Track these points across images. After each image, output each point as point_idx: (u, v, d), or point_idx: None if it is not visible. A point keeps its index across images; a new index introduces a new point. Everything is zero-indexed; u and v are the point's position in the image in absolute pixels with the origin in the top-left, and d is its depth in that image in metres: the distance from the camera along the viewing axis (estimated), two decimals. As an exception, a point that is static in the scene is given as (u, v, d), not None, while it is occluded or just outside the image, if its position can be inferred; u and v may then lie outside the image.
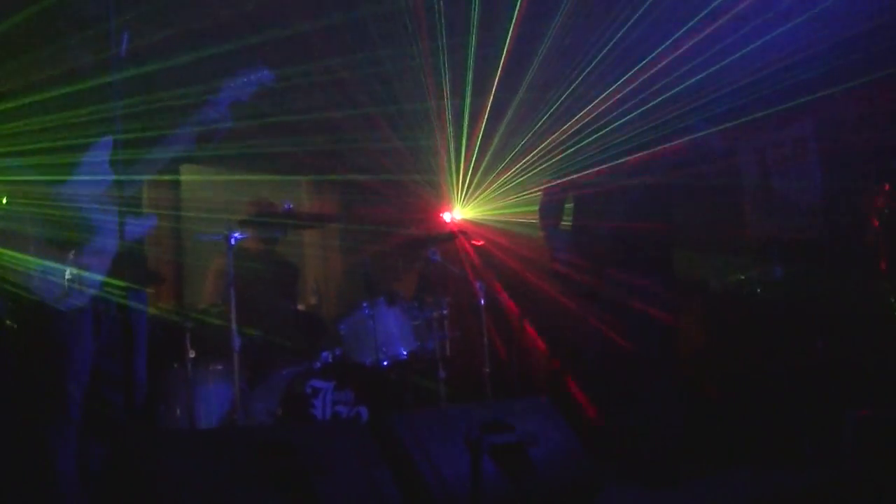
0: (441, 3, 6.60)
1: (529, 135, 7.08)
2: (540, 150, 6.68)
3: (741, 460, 5.64)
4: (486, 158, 7.78)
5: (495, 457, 4.08)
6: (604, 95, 5.76)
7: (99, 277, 3.60)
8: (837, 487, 4.76)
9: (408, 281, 7.55)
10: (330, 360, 6.07)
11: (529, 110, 7.19)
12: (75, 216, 3.59)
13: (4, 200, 3.57)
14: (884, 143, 6.53)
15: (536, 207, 6.15)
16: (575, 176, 5.77)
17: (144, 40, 3.90)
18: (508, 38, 6.80)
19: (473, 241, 7.22)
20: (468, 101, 7.39)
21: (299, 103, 6.63)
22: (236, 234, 5.61)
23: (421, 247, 6.80)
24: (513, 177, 7.43)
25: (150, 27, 4.38)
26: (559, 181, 5.92)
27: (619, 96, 5.71)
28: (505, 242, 7.36)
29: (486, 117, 7.50)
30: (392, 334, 6.28)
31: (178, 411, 5.73)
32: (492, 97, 7.31)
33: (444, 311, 6.48)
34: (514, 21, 6.65)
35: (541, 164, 6.58)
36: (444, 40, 6.92)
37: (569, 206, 6.00)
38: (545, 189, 6.10)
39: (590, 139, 5.76)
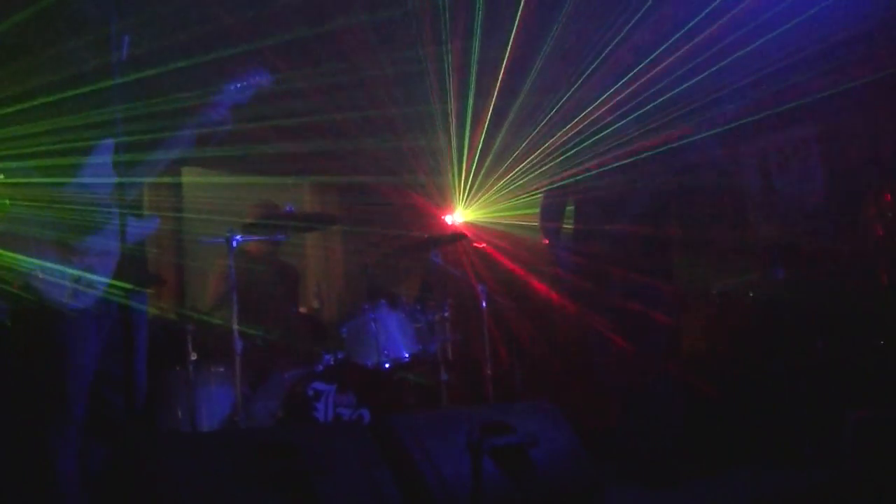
0: (446, 6, 6.61)
1: (531, 137, 7.09)
2: (541, 153, 6.69)
3: (741, 460, 5.64)
4: (488, 161, 7.79)
5: (496, 458, 4.08)
6: (605, 97, 5.77)
7: (104, 279, 3.62)
8: (837, 488, 4.75)
9: (410, 283, 7.56)
10: (332, 362, 6.07)
11: (531, 113, 7.20)
12: (79, 218, 3.61)
13: (8, 202, 3.58)
14: (886, 143, 6.54)
15: (537, 210, 6.16)
16: (576, 178, 5.78)
17: (145, 43, 3.91)
18: (511, 40, 6.80)
19: (475, 244, 7.22)
20: (471, 103, 7.40)
21: (302, 105, 6.63)
22: (238, 237, 5.64)
23: (423, 249, 6.80)
24: (514, 179, 7.44)
25: (151, 30, 4.39)
26: (560, 183, 5.93)
27: (619, 98, 5.71)
28: (506, 245, 7.37)
29: (487, 119, 7.50)
30: (394, 337, 6.28)
31: (180, 413, 5.74)
32: (494, 100, 7.32)
33: (446, 314, 6.48)
34: (516, 23, 6.66)
35: (542, 166, 6.59)
36: (448, 44, 6.93)
37: (570, 208, 6.01)
38: (546, 192, 6.11)
39: (590, 141, 5.76)
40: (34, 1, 3.62)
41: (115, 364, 3.62)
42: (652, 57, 6.05)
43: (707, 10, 6.08)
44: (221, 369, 5.86)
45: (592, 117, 5.82)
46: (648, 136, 5.63)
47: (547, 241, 6.07)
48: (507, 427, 4.23)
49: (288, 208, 6.19)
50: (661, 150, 5.57)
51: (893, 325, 5.65)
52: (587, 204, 5.84)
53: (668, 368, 5.57)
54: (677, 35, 6.19)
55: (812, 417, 5.60)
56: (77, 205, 3.62)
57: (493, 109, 7.42)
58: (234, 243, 5.60)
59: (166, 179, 4.39)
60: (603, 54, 6.38)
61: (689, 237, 6.29)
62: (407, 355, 6.26)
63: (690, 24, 6.15)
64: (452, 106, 7.51)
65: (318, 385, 5.82)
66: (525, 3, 6.47)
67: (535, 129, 7.00)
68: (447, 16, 6.69)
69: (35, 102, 3.53)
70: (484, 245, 7.22)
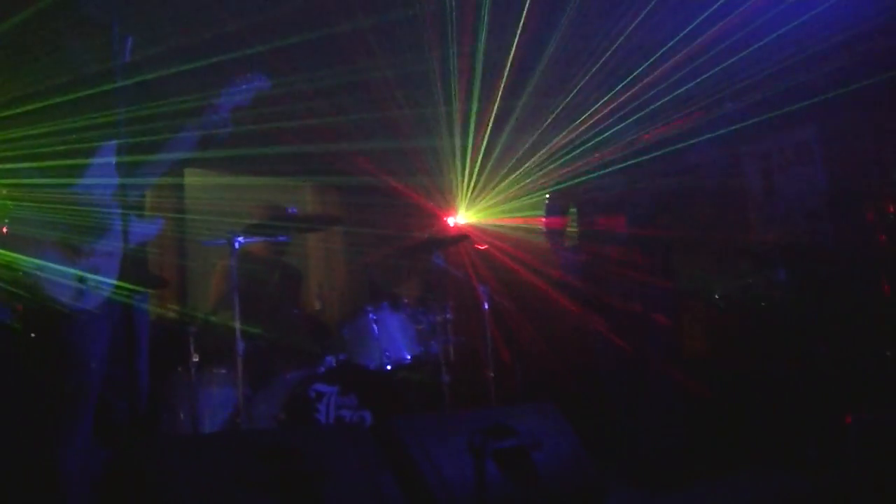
0: (451, 8, 6.61)
1: (533, 139, 7.09)
2: (544, 154, 6.69)
3: (744, 463, 5.65)
4: (491, 162, 7.79)
5: (499, 461, 4.08)
6: (607, 99, 5.77)
7: (111, 280, 3.63)
8: (840, 490, 4.76)
9: (412, 285, 7.55)
10: (334, 364, 6.06)
11: (534, 115, 7.20)
12: (83, 219, 3.62)
13: (10, 203, 3.59)
14: (888, 144, 6.53)
15: (541, 212, 6.17)
16: (578, 179, 5.78)
17: (148, 45, 3.92)
18: (515, 42, 6.81)
19: (477, 245, 7.22)
20: (475, 105, 7.40)
21: (304, 107, 6.63)
22: (240, 239, 5.64)
23: (425, 251, 6.80)
24: (517, 180, 7.44)
25: (154, 32, 4.40)
26: (563, 185, 5.94)
27: (621, 100, 5.72)
28: (509, 246, 7.36)
29: (491, 121, 7.50)
30: (396, 338, 6.28)
31: (182, 415, 5.73)
32: (497, 101, 7.32)
33: (448, 316, 6.47)
34: (520, 26, 6.66)
35: (545, 168, 6.59)
36: (455, 47, 6.93)
37: (572, 210, 6.02)
38: (549, 194, 6.12)
39: (592, 143, 5.77)
40: (37, 2, 3.62)
41: (116, 366, 3.62)
42: (654, 58, 6.05)
43: (709, 12, 6.08)
44: (223, 371, 5.86)
45: (594, 119, 5.82)
46: (650, 138, 5.63)
47: (550, 243, 6.07)
48: (510, 429, 4.23)
49: (290, 209, 6.19)
50: (662, 151, 5.58)
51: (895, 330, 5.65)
52: (589, 205, 5.85)
53: (670, 370, 5.57)
54: (679, 36, 6.19)
55: (815, 420, 5.60)
56: (81, 206, 3.63)
57: (496, 111, 7.42)
58: (237, 244, 5.61)
59: (168, 181, 4.40)
60: (605, 56, 6.38)
61: (691, 239, 6.29)
62: (409, 357, 6.27)
63: (692, 26, 6.15)
64: (456, 107, 7.50)
65: (320, 387, 5.81)
66: (529, 5, 6.47)
67: (537, 131, 7.00)
68: (452, 17, 6.69)
69: (38, 104, 3.54)
70: (486, 246, 7.21)
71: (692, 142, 5.70)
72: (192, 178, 7.60)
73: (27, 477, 3.54)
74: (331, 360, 6.08)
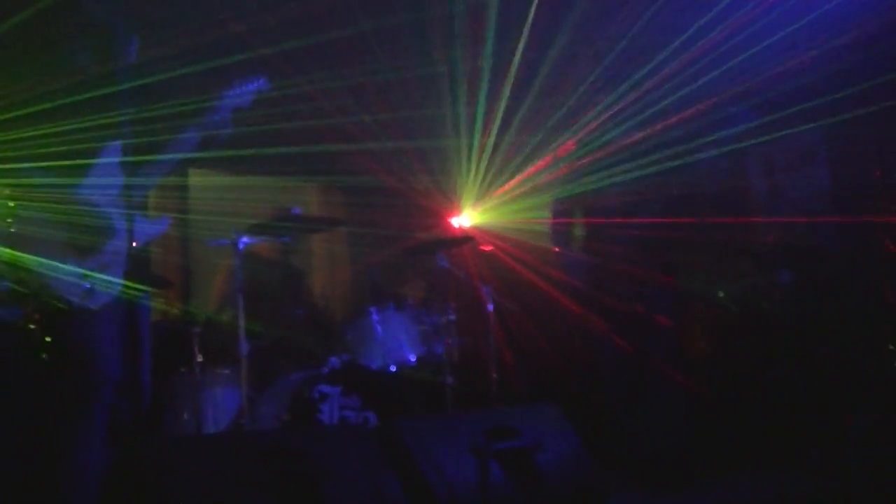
0: (458, 10, 6.62)
1: (539, 141, 7.08)
2: (550, 157, 6.68)
3: (745, 464, 5.64)
4: (496, 164, 7.78)
5: (502, 462, 4.09)
6: (609, 101, 5.78)
7: (118, 279, 3.64)
8: (841, 491, 4.76)
9: (415, 286, 7.55)
10: (337, 365, 6.06)
11: (540, 116, 7.19)
12: (92, 218, 3.64)
13: (13, 204, 3.60)
14: (891, 146, 6.52)
15: (545, 213, 6.17)
16: (584, 183, 5.79)
17: (150, 47, 3.93)
18: (521, 44, 6.81)
19: (482, 247, 7.21)
20: (481, 106, 7.40)
21: (309, 108, 6.63)
22: (244, 239, 5.65)
23: (429, 252, 6.80)
24: (523, 182, 7.43)
25: (156, 34, 4.41)
26: (568, 187, 5.95)
27: (627, 102, 5.72)
28: (513, 248, 7.36)
29: (497, 123, 7.50)
30: (400, 339, 6.28)
31: (186, 416, 5.74)
32: (504, 103, 7.32)
33: (452, 317, 6.47)
34: (527, 27, 6.66)
35: (551, 170, 6.59)
36: (460, 48, 6.93)
37: (578, 212, 6.02)
38: (555, 196, 6.12)
39: (598, 145, 5.77)
40: (41, 4, 3.64)
41: (119, 366, 3.63)
42: (658, 60, 6.05)
43: (711, 14, 6.08)
44: (227, 371, 5.87)
45: (599, 120, 5.83)
46: (654, 139, 5.63)
47: (554, 245, 6.08)
48: (513, 431, 4.24)
49: (294, 210, 6.19)
50: (666, 152, 5.58)
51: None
52: (594, 207, 5.85)
53: (671, 371, 5.57)
54: (684, 38, 6.19)
55: (815, 421, 5.60)
56: (87, 206, 3.64)
57: (502, 112, 7.41)
58: (241, 245, 5.62)
59: (172, 181, 4.42)
60: (610, 58, 6.38)
61: (694, 240, 6.28)
62: (412, 358, 6.27)
63: (696, 28, 6.15)
64: (462, 109, 7.51)
65: (324, 387, 5.82)
66: (537, 7, 6.47)
67: (543, 134, 7.00)
68: (459, 19, 6.69)
69: (42, 105, 3.56)
70: (491, 248, 7.21)
71: (696, 143, 5.70)
72: (196, 179, 7.60)
73: (43, 476, 3.56)
74: (334, 360, 6.09)
